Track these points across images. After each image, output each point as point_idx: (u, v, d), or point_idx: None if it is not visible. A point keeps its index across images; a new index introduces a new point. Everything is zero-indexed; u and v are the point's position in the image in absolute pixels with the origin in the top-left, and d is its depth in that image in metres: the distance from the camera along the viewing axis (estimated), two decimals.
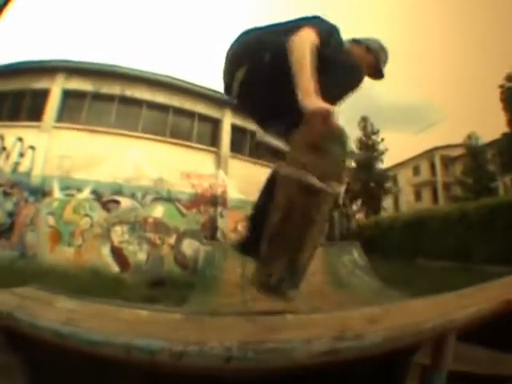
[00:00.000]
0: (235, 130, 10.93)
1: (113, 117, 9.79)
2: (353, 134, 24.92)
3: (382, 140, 25.47)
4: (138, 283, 7.23)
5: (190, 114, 10.45)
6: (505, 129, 19.64)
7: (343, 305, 5.80)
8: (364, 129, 25.88)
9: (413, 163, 32.07)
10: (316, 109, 1.29)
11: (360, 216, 20.88)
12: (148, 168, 9.42)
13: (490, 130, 39.43)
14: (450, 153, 29.52)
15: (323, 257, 8.30)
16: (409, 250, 9.72)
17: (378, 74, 1.97)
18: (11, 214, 9.10)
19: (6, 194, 9.25)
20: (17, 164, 9.37)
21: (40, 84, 9.83)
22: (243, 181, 9.54)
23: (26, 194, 9.14)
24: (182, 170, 9.66)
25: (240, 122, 10.83)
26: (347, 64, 1.67)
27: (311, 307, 5.80)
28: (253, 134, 10.91)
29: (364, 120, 26.04)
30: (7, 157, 9.45)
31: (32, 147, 9.32)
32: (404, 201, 31.50)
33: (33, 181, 9.11)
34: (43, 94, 9.65)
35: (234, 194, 10.09)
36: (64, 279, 6.40)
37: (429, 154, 30.81)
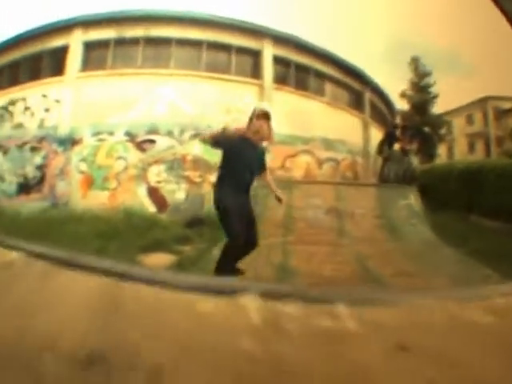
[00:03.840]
0: (278, 61, 9.89)
1: (139, 59, 9.07)
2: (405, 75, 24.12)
3: (435, 83, 24.13)
4: (173, 223, 6.83)
5: (227, 48, 9.41)
6: None
7: (392, 255, 5.26)
8: (415, 70, 24.38)
9: (466, 111, 29.83)
10: None
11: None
12: (184, 104, 8.60)
13: None
14: (502, 105, 27.61)
15: (377, 198, 7.61)
16: (463, 204, 8.65)
17: None
18: (40, 168, 9.05)
19: (34, 149, 9.19)
20: (43, 120, 9.25)
21: (58, 42, 9.53)
22: (290, 114, 8.40)
23: (54, 145, 8.90)
24: (221, 105, 8.70)
25: (283, 52, 9.75)
26: None
27: (359, 254, 4.93)
28: (298, 65, 9.91)
29: (415, 61, 24.51)
30: (32, 115, 9.39)
31: (57, 101, 9.10)
32: (458, 151, 29.53)
33: (60, 132, 8.85)
34: (62, 51, 9.34)
35: (280, 128, 8.83)
36: (95, 223, 6.14)
37: (481, 102, 28.68)
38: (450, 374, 0.62)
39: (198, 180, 8.35)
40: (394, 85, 44.12)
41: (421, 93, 23.74)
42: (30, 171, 9.06)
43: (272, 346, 0.65)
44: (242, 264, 3.47)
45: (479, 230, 6.92)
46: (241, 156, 3.19)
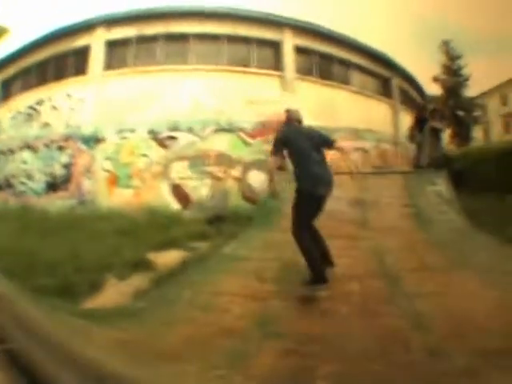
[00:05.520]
0: (300, 51, 9.64)
1: (160, 55, 9.06)
2: (436, 58, 24.64)
3: (466, 65, 24.08)
4: (194, 220, 6.81)
5: (246, 40, 9.24)
6: None
7: (417, 247, 4.83)
8: (447, 53, 24.34)
9: (499, 92, 29.01)
10: None
11: (450, 147, 19.40)
12: (206, 99, 8.55)
13: None
14: None
15: (404, 186, 7.26)
16: (501, 186, 7.99)
17: None
18: (67, 166, 9.25)
19: (61, 148, 9.40)
20: (68, 119, 9.44)
21: (81, 41, 9.64)
22: (315, 105, 8.19)
23: (79, 144, 9.09)
24: (243, 98, 8.59)
25: (304, 42, 9.54)
26: None
27: (378, 247, 4.60)
28: (321, 54, 9.60)
29: (446, 44, 24.49)
30: (58, 115, 9.62)
31: (81, 100, 9.26)
32: (495, 133, 28.64)
33: (85, 131, 9.04)
34: (85, 50, 9.48)
35: (304, 120, 8.67)
36: (119, 220, 6.26)
37: None
38: None
39: (221, 176, 8.33)
40: (424, 69, 42.49)
41: (453, 76, 23.67)
42: (58, 170, 9.27)
43: None
44: None
45: None
46: (299, 140, 3.31)
